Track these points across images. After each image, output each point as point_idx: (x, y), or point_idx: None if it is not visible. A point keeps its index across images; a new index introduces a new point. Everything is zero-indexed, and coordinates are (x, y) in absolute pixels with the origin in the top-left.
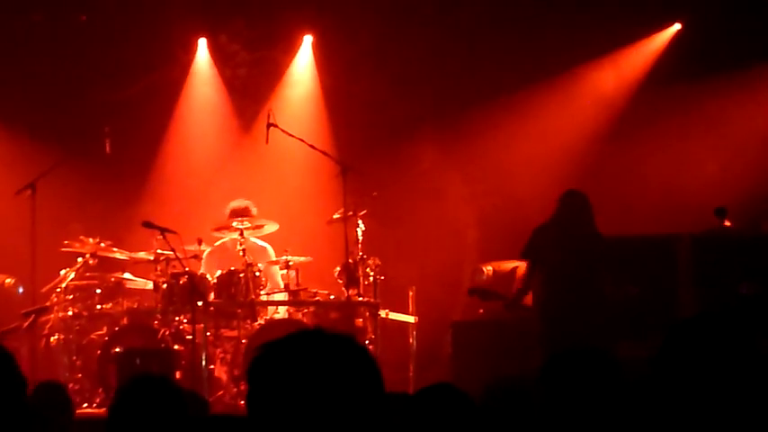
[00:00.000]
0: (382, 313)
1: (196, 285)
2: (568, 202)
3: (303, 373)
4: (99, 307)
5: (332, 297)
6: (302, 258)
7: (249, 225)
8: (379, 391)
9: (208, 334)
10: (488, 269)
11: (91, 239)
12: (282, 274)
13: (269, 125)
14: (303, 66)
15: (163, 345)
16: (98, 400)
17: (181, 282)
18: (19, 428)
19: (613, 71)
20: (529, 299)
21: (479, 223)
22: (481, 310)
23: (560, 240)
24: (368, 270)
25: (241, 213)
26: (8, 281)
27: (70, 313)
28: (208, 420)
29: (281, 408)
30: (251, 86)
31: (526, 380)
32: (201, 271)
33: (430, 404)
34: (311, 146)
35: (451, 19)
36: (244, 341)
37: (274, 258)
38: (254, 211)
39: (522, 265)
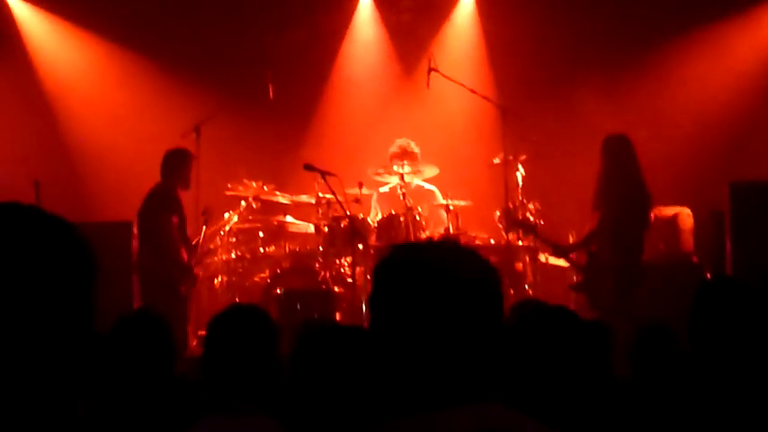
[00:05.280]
0: (542, 257)
1: (357, 228)
2: None
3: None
4: (261, 250)
5: (492, 241)
6: (462, 202)
7: (410, 170)
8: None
9: (368, 277)
10: None
11: (254, 183)
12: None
13: (430, 70)
14: (465, 10)
15: (323, 287)
16: None
17: (342, 225)
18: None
19: None
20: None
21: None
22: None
23: None
24: (528, 214)
25: (401, 155)
26: None
27: (233, 256)
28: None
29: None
30: (413, 31)
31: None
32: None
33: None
34: (472, 90)
35: None
36: None
37: (441, 202)
38: (413, 148)
39: (683, 210)
